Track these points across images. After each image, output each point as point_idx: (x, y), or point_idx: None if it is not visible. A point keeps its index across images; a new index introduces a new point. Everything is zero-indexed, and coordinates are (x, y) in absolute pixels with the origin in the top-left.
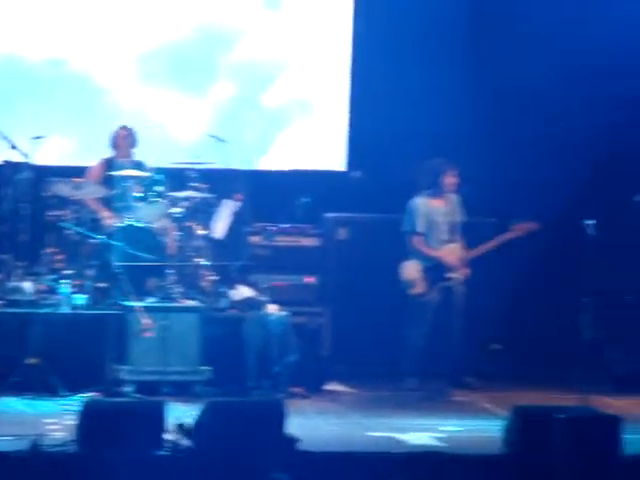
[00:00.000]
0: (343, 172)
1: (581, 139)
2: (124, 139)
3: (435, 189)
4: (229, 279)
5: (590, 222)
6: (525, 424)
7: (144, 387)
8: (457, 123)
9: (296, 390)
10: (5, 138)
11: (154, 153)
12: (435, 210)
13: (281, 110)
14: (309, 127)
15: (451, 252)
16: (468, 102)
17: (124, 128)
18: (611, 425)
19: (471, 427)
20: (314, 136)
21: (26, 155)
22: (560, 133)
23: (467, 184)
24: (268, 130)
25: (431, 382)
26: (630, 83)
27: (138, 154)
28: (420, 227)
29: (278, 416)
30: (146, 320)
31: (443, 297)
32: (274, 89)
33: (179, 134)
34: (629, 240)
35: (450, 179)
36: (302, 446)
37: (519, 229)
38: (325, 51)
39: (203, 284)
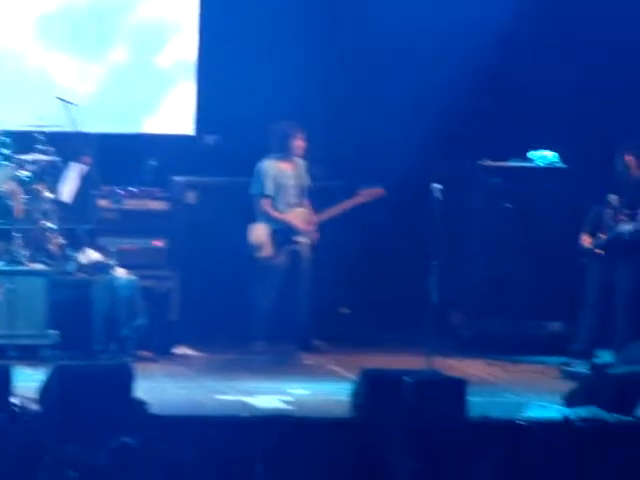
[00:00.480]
0: (192, 136)
1: (429, 102)
2: None
3: (283, 152)
4: (77, 243)
5: (437, 186)
6: (373, 387)
7: None
8: (306, 85)
9: (144, 354)
10: None
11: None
12: (283, 173)
13: (130, 70)
14: (158, 88)
15: (299, 216)
16: (317, 64)
17: None
18: (457, 388)
19: (319, 390)
20: (163, 99)
21: None
22: (409, 95)
23: (315, 148)
24: (118, 93)
25: (280, 345)
26: (476, 40)
27: None
28: (268, 190)
29: (126, 380)
30: None
31: (291, 260)
32: (124, 48)
33: (28, 96)
34: (475, 204)
35: (298, 142)
36: (151, 410)
37: (366, 194)
38: (174, 11)
39: (50, 248)
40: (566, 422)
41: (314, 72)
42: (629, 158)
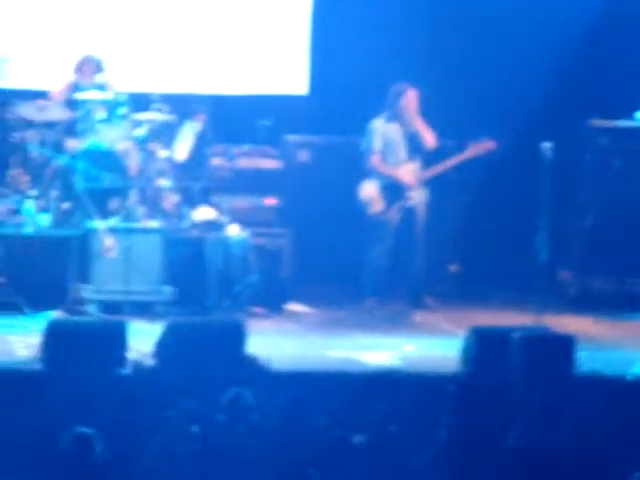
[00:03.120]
0: (305, 96)
1: (539, 62)
2: (88, 65)
3: (394, 110)
4: (191, 200)
5: (547, 144)
6: (482, 344)
7: (107, 306)
8: (417, 45)
9: (257, 310)
10: None
11: (118, 76)
12: (394, 130)
13: (244, 33)
14: (271, 50)
15: (408, 172)
16: (428, 25)
17: (89, 56)
18: (566, 344)
19: (430, 346)
20: (276, 59)
21: None
22: (520, 55)
23: (426, 105)
24: (228, 52)
25: (391, 302)
26: (585, 4)
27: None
28: (377, 146)
29: (239, 335)
30: (109, 240)
31: (402, 217)
32: (236, 12)
33: (142, 57)
34: (584, 163)
35: (410, 101)
36: (263, 365)
37: (476, 148)
38: None
39: (165, 205)
40: None
41: (426, 34)
42: None
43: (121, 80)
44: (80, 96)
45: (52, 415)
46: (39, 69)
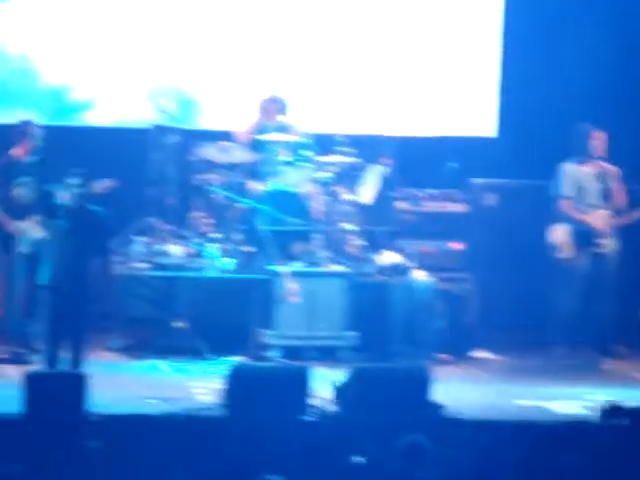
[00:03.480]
0: (493, 138)
1: None
2: (273, 105)
3: (584, 154)
4: (376, 244)
5: None
6: None
7: (289, 352)
8: (606, 86)
9: (442, 356)
10: (154, 101)
11: (301, 118)
12: (584, 175)
13: (431, 74)
14: (459, 92)
15: (600, 218)
16: (621, 67)
17: (274, 96)
18: None
19: (620, 396)
20: (464, 101)
21: (175, 119)
22: None
23: (617, 150)
24: (415, 95)
25: (579, 350)
26: None
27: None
28: (569, 191)
29: (423, 382)
30: (292, 285)
31: (592, 263)
32: (423, 55)
33: (328, 99)
34: None
35: (599, 144)
36: (447, 413)
37: None
38: (476, 15)
39: (349, 249)
40: None
41: (616, 75)
42: None
43: (305, 121)
44: (264, 137)
45: (234, 461)
46: (222, 110)
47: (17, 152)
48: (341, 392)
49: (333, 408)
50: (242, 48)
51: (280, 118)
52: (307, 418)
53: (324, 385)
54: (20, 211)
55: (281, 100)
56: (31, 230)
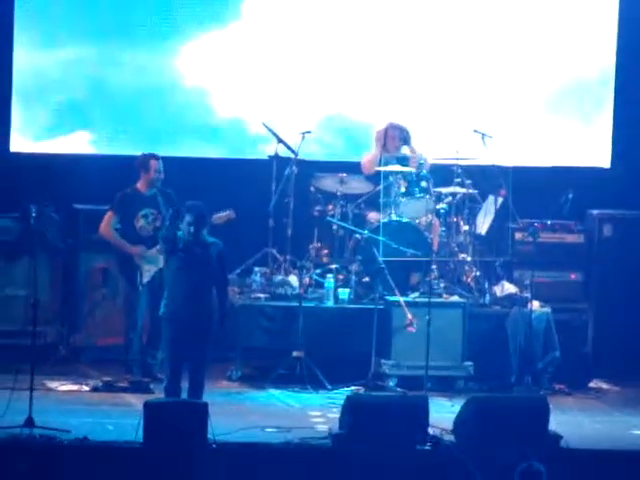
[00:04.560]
0: (608, 169)
1: None
2: (394, 135)
3: None
4: (493, 275)
5: None
6: None
7: (406, 381)
8: None
9: (559, 387)
10: (273, 132)
11: (421, 149)
12: None
13: (542, 106)
14: (574, 123)
15: None
16: None
17: (397, 125)
18: None
19: None
20: (579, 132)
21: (293, 150)
22: None
23: None
24: (527, 126)
25: None
26: None
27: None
28: None
29: (541, 412)
30: (409, 315)
31: None
32: (541, 86)
33: (444, 130)
34: None
35: None
36: (565, 443)
37: None
38: (591, 45)
39: (466, 280)
40: None
41: None
42: None
43: (424, 152)
44: (384, 169)
45: None
46: (337, 141)
47: (141, 184)
48: (458, 422)
49: (450, 437)
50: (361, 76)
51: (402, 148)
52: (424, 447)
53: (441, 414)
54: (142, 242)
55: (402, 129)
56: (153, 261)
